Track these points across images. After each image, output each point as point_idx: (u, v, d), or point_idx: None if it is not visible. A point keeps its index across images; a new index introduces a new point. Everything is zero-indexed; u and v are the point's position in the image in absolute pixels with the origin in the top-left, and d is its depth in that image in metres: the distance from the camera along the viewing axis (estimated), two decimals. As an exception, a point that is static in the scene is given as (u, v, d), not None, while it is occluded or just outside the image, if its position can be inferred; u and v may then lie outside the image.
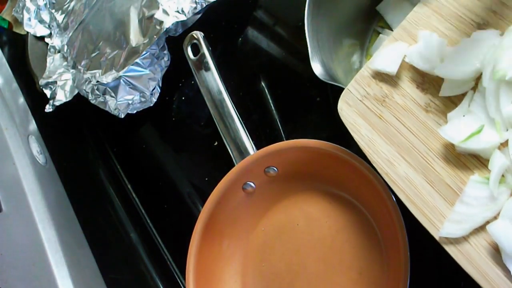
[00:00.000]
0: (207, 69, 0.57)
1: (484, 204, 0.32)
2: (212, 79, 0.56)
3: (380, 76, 0.39)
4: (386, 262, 0.45)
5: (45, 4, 0.72)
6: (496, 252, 0.31)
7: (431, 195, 0.34)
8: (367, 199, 0.48)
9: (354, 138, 0.39)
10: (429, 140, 0.36)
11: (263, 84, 0.63)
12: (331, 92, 0.56)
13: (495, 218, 0.31)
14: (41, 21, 0.72)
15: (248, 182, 0.54)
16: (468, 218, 0.32)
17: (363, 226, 0.48)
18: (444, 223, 0.33)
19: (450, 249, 0.32)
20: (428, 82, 0.37)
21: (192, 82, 0.67)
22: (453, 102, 0.36)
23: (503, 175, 0.32)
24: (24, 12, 0.72)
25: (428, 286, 0.46)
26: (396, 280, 0.40)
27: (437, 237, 0.33)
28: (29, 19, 0.72)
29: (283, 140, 0.55)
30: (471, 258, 0.32)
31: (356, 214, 0.49)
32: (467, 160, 0.34)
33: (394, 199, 0.42)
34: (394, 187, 0.36)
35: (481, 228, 0.32)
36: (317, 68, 0.48)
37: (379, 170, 0.37)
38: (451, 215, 0.33)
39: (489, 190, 0.32)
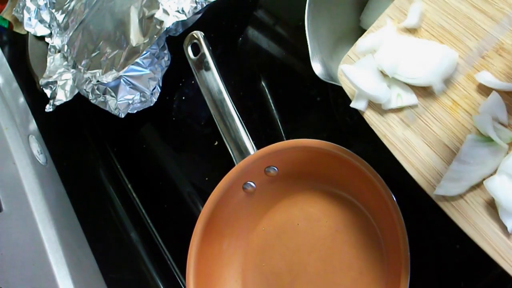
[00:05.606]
0: (207, 68, 0.57)
1: (480, 162, 0.32)
2: (212, 79, 0.56)
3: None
4: (387, 261, 0.45)
5: (46, 4, 0.72)
6: (492, 209, 0.31)
7: (429, 155, 0.34)
8: (367, 199, 0.48)
9: None
10: (427, 102, 0.36)
11: (263, 83, 0.63)
12: (331, 92, 0.56)
13: (491, 175, 0.31)
14: (42, 21, 0.72)
15: (248, 182, 0.54)
16: (464, 176, 0.32)
17: (363, 226, 0.48)
18: (441, 181, 0.33)
19: (447, 207, 0.32)
20: None
21: (192, 82, 0.67)
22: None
23: None
24: (24, 12, 0.72)
25: (428, 286, 0.46)
26: (397, 279, 0.40)
27: (433, 196, 0.33)
28: (29, 19, 0.72)
29: (283, 140, 0.55)
30: (467, 216, 0.32)
31: (356, 214, 0.49)
32: (464, 120, 0.34)
33: (394, 199, 0.42)
34: (392, 149, 0.36)
35: (478, 186, 0.32)
36: (317, 68, 0.48)
37: (377, 133, 0.37)
38: (447, 173, 0.33)
39: (486, 148, 0.32)
